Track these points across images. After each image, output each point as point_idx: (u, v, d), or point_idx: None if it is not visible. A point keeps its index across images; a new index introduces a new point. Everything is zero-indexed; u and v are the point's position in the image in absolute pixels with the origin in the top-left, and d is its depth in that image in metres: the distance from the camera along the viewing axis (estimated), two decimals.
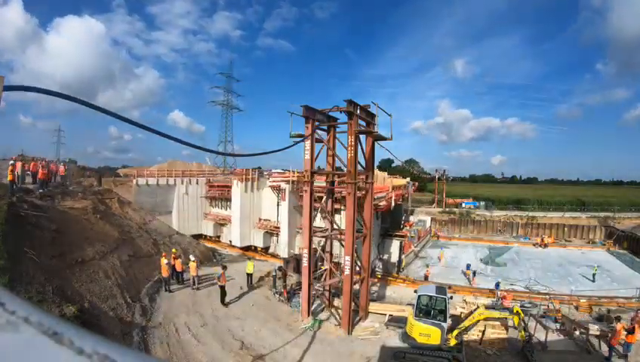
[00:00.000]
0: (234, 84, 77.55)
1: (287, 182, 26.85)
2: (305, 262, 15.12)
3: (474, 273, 23.40)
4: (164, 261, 15.83)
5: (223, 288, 15.39)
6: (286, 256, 26.34)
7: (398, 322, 14.76)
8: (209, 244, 30.23)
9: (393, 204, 25.75)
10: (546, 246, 34.07)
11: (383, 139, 15.93)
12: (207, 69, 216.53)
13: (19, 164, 16.05)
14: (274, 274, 18.62)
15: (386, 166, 75.61)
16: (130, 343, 10.76)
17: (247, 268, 18.08)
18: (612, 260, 30.06)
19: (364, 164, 15.98)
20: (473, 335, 13.85)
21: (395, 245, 25.55)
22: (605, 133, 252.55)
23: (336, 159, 15.78)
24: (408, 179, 40.66)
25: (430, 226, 39.50)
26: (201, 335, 12.50)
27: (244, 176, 29.56)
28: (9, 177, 14.09)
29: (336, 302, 16.59)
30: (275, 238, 29.10)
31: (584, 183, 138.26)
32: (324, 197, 16.78)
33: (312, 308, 15.71)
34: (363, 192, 16.28)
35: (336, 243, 17.89)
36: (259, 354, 11.73)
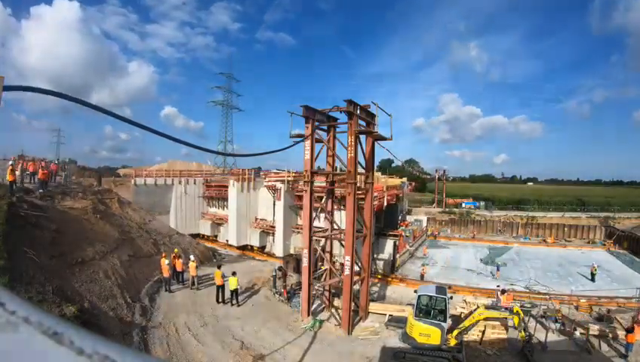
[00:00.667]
0: (234, 84, 77.52)
1: (283, 182, 27.12)
2: (305, 262, 15.12)
3: (497, 267, 25.02)
4: (164, 261, 15.83)
5: (219, 287, 15.40)
6: (281, 254, 26.45)
7: (398, 322, 14.75)
8: (208, 244, 30.34)
9: (386, 203, 25.80)
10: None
11: (383, 139, 15.93)
12: (204, 64, 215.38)
13: (19, 164, 16.06)
14: (274, 274, 18.61)
15: (386, 166, 75.62)
16: (130, 343, 10.76)
17: (230, 284, 15.34)
18: (612, 260, 30.07)
19: (364, 164, 15.98)
20: (473, 335, 13.85)
21: (389, 244, 25.52)
22: (605, 133, 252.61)
23: (337, 159, 15.79)
24: (404, 179, 40.77)
25: (426, 226, 39.50)
26: (201, 335, 12.50)
27: (240, 176, 29.80)
28: (9, 177, 14.07)
29: (336, 302, 16.58)
30: (271, 238, 29.33)
31: (584, 183, 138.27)
32: (324, 197, 16.78)
33: (312, 308, 15.71)
34: (363, 192, 16.28)
35: (336, 243, 17.90)
36: (259, 354, 11.72)
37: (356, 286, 15.79)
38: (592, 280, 23.53)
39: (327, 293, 16.53)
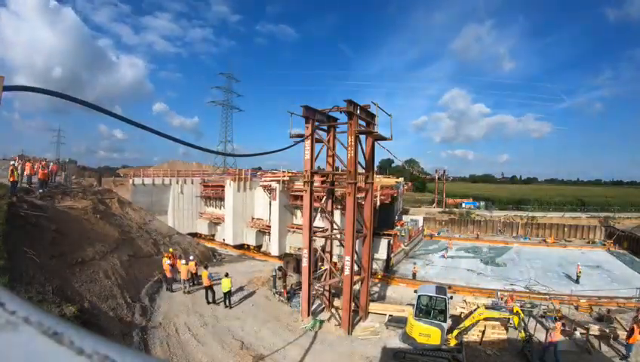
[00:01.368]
0: (234, 84, 77.55)
1: (278, 182, 27.28)
2: (305, 262, 15.12)
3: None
4: (166, 261, 15.84)
5: (207, 289, 15.25)
6: (277, 253, 26.53)
7: (398, 322, 14.75)
8: (207, 244, 30.50)
9: (379, 203, 25.81)
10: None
11: (383, 139, 15.94)
12: (203, 60, 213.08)
13: (20, 164, 16.04)
14: (274, 274, 18.60)
15: (386, 166, 75.62)
16: (130, 343, 10.75)
17: (222, 286, 15.00)
18: (612, 260, 30.05)
19: (364, 164, 15.98)
20: (473, 335, 13.85)
21: (383, 244, 25.42)
22: (605, 133, 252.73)
23: (337, 159, 15.79)
24: (401, 179, 40.89)
25: (423, 226, 39.43)
26: (201, 335, 12.50)
27: (237, 176, 30.00)
28: (10, 178, 14.05)
29: (337, 302, 16.58)
30: (267, 237, 29.52)
31: (584, 183, 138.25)
32: (324, 197, 16.78)
33: (312, 308, 15.71)
34: (363, 193, 16.28)
35: (336, 243, 17.89)
36: (259, 354, 11.72)
37: (356, 287, 15.79)
38: (577, 281, 22.88)
39: (327, 293, 16.53)
